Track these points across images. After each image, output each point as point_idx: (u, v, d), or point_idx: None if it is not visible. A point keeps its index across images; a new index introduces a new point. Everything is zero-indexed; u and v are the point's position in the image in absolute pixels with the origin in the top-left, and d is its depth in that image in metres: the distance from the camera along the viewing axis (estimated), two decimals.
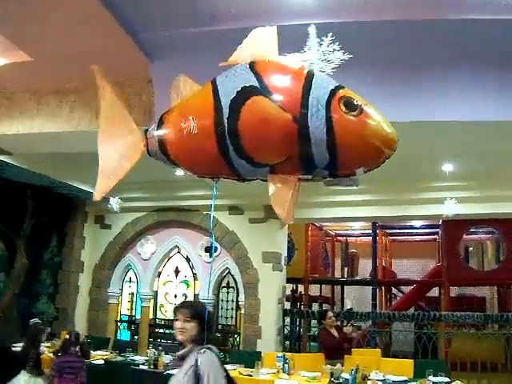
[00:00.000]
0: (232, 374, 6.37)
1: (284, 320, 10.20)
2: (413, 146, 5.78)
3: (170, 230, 10.78)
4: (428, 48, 4.61)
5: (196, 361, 3.03)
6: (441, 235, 11.58)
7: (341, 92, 1.93)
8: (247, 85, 2.01)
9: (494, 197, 8.99)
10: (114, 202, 8.75)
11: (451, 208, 7.68)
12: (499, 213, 9.21)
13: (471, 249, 12.30)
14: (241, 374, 6.63)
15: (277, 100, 1.95)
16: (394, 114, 4.59)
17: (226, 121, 2.00)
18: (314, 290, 13.89)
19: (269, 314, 9.55)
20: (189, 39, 4.72)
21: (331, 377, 6.48)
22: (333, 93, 1.92)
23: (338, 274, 14.62)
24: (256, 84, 2.00)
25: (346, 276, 14.29)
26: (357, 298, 14.29)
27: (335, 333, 7.40)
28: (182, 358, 3.10)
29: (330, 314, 7.57)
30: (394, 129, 1.94)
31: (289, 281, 11.28)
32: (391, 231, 14.47)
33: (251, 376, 6.54)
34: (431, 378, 6.50)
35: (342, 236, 14.99)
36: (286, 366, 6.90)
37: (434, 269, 12.59)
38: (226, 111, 2.01)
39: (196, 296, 10.56)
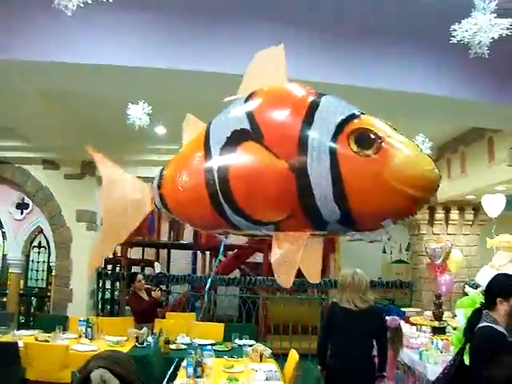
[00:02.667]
0: (28, 339, 6.00)
1: (101, 283, 9.76)
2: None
3: None
4: None
5: None
6: None
7: (353, 124, 1.46)
8: (238, 128, 1.63)
9: None
10: None
11: None
12: None
13: None
14: (37, 339, 6.12)
15: (269, 144, 1.54)
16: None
17: (216, 174, 1.64)
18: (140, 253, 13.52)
19: (81, 276, 8.99)
20: None
21: (136, 341, 6.23)
22: (341, 126, 1.46)
23: (165, 238, 14.34)
24: (247, 126, 1.61)
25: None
26: (187, 262, 14.15)
27: (145, 296, 7.15)
28: None
29: (140, 277, 7.30)
30: (432, 163, 1.44)
31: None
32: None
33: (48, 342, 6.06)
34: (237, 341, 6.53)
35: None
36: (89, 330, 6.51)
37: None
38: (215, 163, 1.66)
39: (4, 256, 9.76)
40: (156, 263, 11.20)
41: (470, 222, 10.35)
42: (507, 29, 3.75)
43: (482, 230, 10.14)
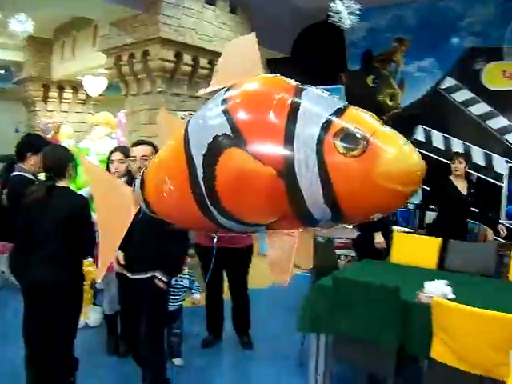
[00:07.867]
0: None
1: None
2: None
3: None
4: None
5: None
6: None
7: (337, 123, 1.38)
8: (219, 134, 1.49)
9: None
10: None
11: None
12: None
13: None
14: None
15: (254, 151, 1.43)
16: None
17: (201, 182, 1.54)
18: None
19: None
20: None
21: None
22: (326, 126, 1.37)
23: None
24: (228, 131, 1.48)
25: None
26: None
27: None
28: None
29: None
30: (416, 155, 1.35)
31: None
32: None
33: None
34: None
35: None
36: None
37: None
38: (200, 171, 1.54)
39: None
40: None
41: (83, 101, 11.29)
42: None
43: (93, 109, 11.28)
